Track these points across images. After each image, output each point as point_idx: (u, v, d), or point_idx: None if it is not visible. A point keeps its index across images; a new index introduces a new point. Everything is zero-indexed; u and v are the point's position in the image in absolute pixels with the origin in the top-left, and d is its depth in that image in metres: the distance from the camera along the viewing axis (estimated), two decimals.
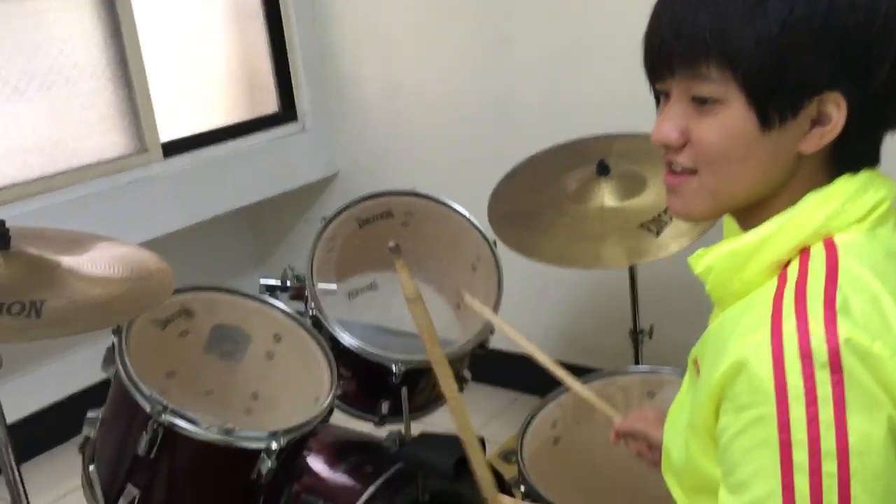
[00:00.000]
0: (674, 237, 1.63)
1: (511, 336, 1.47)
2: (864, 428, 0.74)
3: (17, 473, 1.27)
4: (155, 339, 1.47)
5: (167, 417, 1.29)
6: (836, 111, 0.82)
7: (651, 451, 1.29)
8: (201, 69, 2.84)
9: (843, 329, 0.76)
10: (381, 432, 1.76)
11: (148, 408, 1.29)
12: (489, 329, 1.75)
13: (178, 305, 1.48)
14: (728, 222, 1.02)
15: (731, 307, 0.87)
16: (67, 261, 1.19)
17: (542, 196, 1.80)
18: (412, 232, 1.85)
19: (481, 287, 1.81)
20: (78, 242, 1.30)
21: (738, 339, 0.81)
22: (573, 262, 1.65)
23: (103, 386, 1.44)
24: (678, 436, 0.97)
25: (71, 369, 2.62)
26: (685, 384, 1.03)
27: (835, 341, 0.75)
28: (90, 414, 1.42)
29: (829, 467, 0.74)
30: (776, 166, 0.85)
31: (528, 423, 1.69)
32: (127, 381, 1.32)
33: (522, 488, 1.56)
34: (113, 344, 1.36)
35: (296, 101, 3.01)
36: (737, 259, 0.87)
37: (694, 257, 0.91)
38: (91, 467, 1.23)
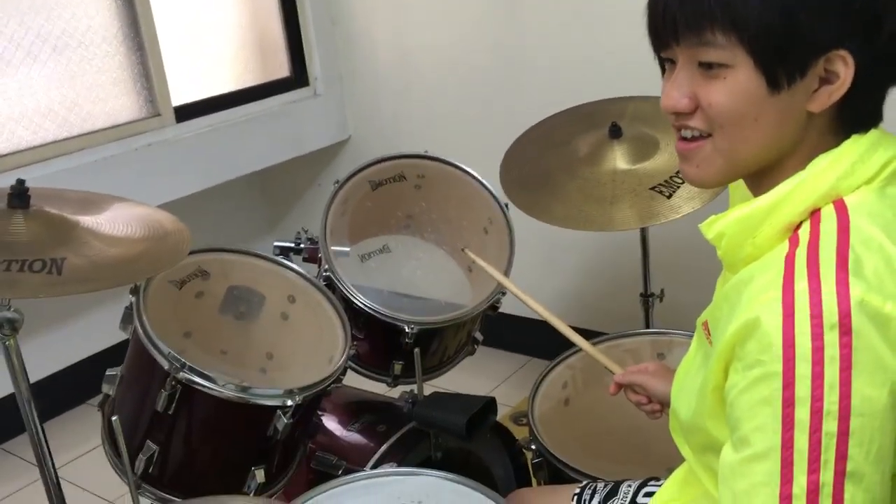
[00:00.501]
0: (686, 199, 1.63)
1: (511, 290, 1.47)
2: (867, 391, 0.75)
3: (40, 432, 1.30)
4: (172, 300, 1.49)
5: (185, 375, 1.31)
6: (843, 69, 0.82)
7: (650, 402, 1.32)
8: (213, 33, 2.84)
9: (856, 290, 0.76)
10: (395, 392, 1.79)
11: (166, 365, 1.31)
12: (500, 290, 1.76)
13: (195, 266, 1.50)
14: (734, 189, 1.02)
15: (743, 269, 0.88)
16: (86, 220, 1.21)
17: (555, 159, 1.80)
18: (424, 194, 1.85)
19: (493, 249, 1.82)
20: (95, 203, 1.32)
21: (751, 300, 0.81)
22: (585, 225, 1.66)
23: (123, 347, 1.46)
24: (686, 398, 0.98)
25: (91, 330, 2.66)
26: (693, 347, 1.04)
27: (846, 303, 0.76)
28: (109, 371, 1.44)
29: (830, 426, 0.75)
30: (787, 126, 0.86)
31: (538, 385, 1.71)
32: (145, 339, 1.34)
33: (533, 447, 1.59)
34: (131, 303, 1.39)
35: (307, 65, 3.01)
36: (749, 224, 0.87)
37: (706, 224, 0.91)
38: (114, 418, 1.25)
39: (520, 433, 1.69)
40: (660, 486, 1.20)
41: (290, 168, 3.09)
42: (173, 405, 1.33)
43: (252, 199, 3.32)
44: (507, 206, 1.80)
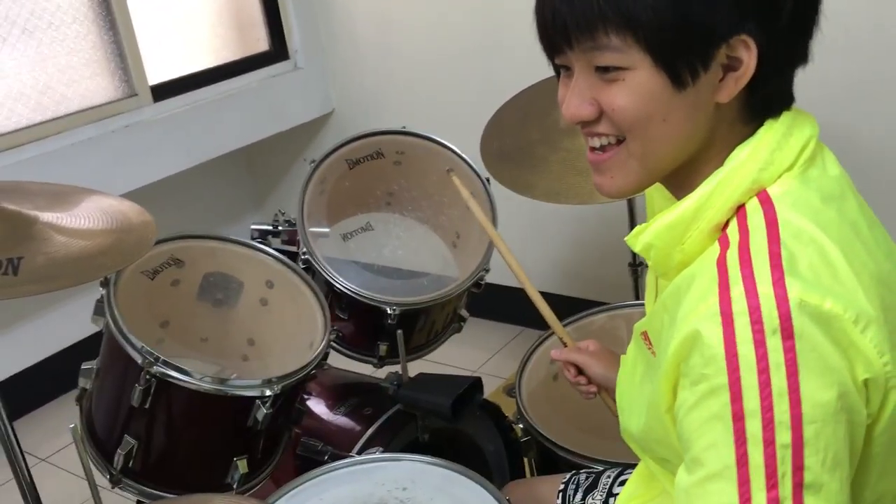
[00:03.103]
0: None
1: (491, 234, 1.45)
2: (816, 395, 0.71)
3: (9, 429, 1.27)
4: (145, 290, 1.45)
5: (159, 369, 1.28)
6: (745, 53, 0.78)
7: (588, 382, 1.30)
8: (187, 9, 2.77)
9: (794, 290, 0.72)
10: (381, 373, 1.77)
11: (139, 360, 1.29)
12: (485, 267, 1.73)
13: (167, 255, 1.47)
14: (650, 195, 0.98)
15: (677, 277, 0.84)
16: (46, 216, 1.17)
17: (535, 131, 1.76)
18: (404, 171, 1.81)
19: (476, 224, 1.79)
20: (59, 196, 1.28)
21: (688, 311, 0.77)
22: (567, 198, 1.62)
23: (99, 338, 1.43)
24: (637, 412, 0.94)
25: (64, 322, 2.61)
26: (632, 354, 1.01)
27: (786, 305, 0.72)
28: (85, 365, 1.42)
29: (783, 437, 0.71)
30: (699, 120, 0.81)
31: (526, 361, 1.69)
32: (117, 333, 1.31)
33: (521, 425, 1.57)
34: (102, 296, 1.36)
35: (286, 38, 2.94)
36: (675, 231, 0.83)
37: (631, 236, 0.87)
38: (71, 426, 1.22)
39: (512, 406, 1.68)
40: None
41: (275, 144, 3.04)
42: (149, 399, 1.30)
43: (238, 177, 3.27)
44: (488, 180, 1.76)
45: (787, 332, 0.71)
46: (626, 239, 0.88)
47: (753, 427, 0.71)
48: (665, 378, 0.80)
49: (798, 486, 0.71)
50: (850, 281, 0.74)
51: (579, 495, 1.25)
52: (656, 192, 0.95)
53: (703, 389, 0.74)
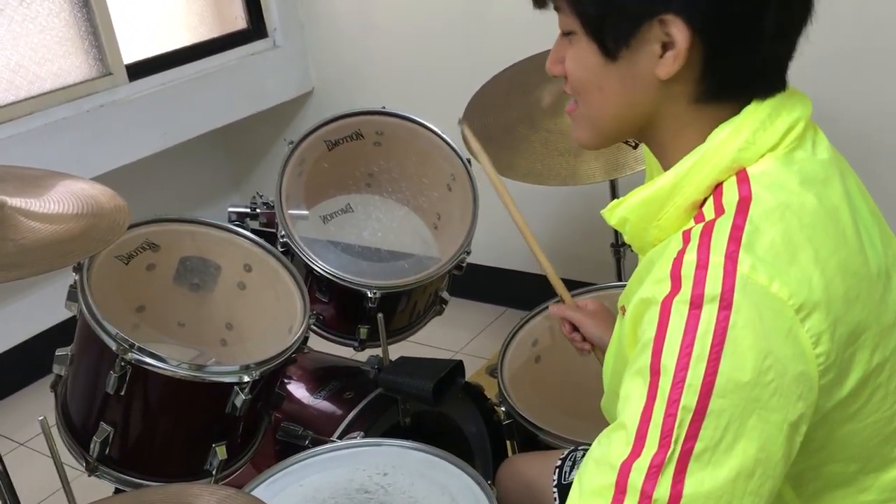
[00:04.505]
0: None
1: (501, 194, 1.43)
2: (736, 373, 0.70)
3: None
4: (120, 275, 1.43)
5: (134, 355, 1.26)
6: (678, 33, 0.78)
7: (584, 339, 1.32)
8: None
9: (744, 266, 0.72)
10: (362, 356, 1.75)
11: (114, 346, 1.26)
12: (466, 249, 1.71)
13: (142, 239, 1.44)
14: (649, 166, 0.99)
15: (655, 250, 0.84)
16: (15, 201, 1.14)
17: (516, 111, 1.74)
18: (384, 152, 1.79)
19: (458, 205, 1.77)
20: (28, 180, 1.24)
21: (651, 278, 0.78)
22: (549, 179, 1.60)
23: (74, 323, 1.40)
24: (617, 382, 0.94)
25: (37, 307, 2.58)
26: (616, 330, 1.00)
27: (732, 279, 0.71)
28: (59, 351, 1.39)
29: (689, 400, 0.69)
30: (639, 95, 0.83)
31: (508, 343, 1.68)
32: (91, 320, 1.28)
33: (503, 409, 1.56)
34: (75, 281, 1.33)
35: (264, 15, 2.89)
36: (651, 207, 0.83)
37: (607, 210, 0.88)
38: (40, 418, 1.20)
39: (496, 387, 1.67)
40: None
41: (253, 124, 3.00)
42: (124, 386, 1.28)
43: (216, 158, 3.23)
44: (469, 161, 1.74)
45: (726, 303, 0.71)
46: (602, 212, 0.89)
47: (664, 383, 0.71)
48: (628, 343, 0.81)
49: (686, 454, 0.69)
50: (809, 266, 0.74)
51: (575, 471, 1.25)
52: (654, 164, 0.95)
53: (638, 348, 0.75)
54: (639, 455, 0.70)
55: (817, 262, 0.74)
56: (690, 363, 0.70)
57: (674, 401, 0.70)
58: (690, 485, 0.70)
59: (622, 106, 0.84)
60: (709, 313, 0.71)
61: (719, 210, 0.78)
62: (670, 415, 0.70)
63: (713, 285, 0.71)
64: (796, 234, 0.75)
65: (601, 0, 0.80)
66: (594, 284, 1.79)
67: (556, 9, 0.85)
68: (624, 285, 1.74)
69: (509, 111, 1.75)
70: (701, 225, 0.77)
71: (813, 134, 0.84)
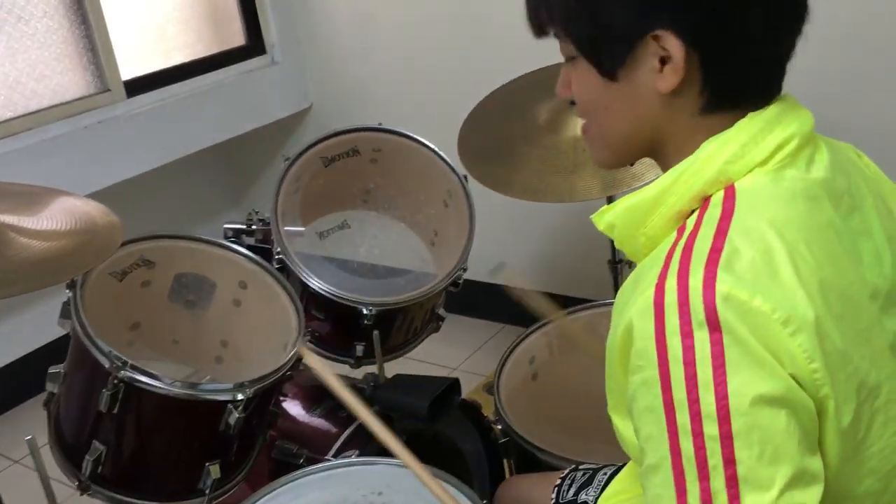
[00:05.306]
0: (649, 166, 1.57)
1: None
2: (746, 388, 0.69)
3: None
4: (114, 292, 1.42)
5: (127, 373, 1.25)
6: (674, 46, 0.79)
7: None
8: (161, 2, 2.72)
9: (723, 285, 0.71)
10: (358, 374, 1.74)
11: (107, 364, 1.25)
12: (463, 266, 1.71)
13: (137, 256, 1.43)
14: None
15: (642, 263, 0.84)
16: (6, 218, 1.13)
17: (513, 127, 1.73)
18: (381, 168, 1.79)
19: (454, 222, 1.77)
20: (20, 196, 1.24)
21: (633, 300, 0.77)
22: (546, 196, 1.60)
23: (66, 341, 1.39)
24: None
25: (30, 326, 2.56)
26: (610, 338, 1.00)
27: (711, 298, 0.71)
28: (52, 369, 1.38)
29: (710, 429, 0.69)
30: (643, 110, 0.84)
31: (505, 360, 1.67)
32: (84, 337, 1.27)
33: (500, 427, 1.55)
34: (68, 298, 1.32)
35: (263, 32, 2.90)
36: (637, 214, 0.83)
37: (597, 215, 0.89)
38: (28, 438, 1.19)
39: (492, 405, 1.66)
40: None
41: (252, 140, 3.00)
42: (117, 405, 1.27)
43: (214, 175, 3.23)
44: (465, 177, 1.74)
45: (714, 325, 0.70)
46: (592, 217, 0.90)
47: (682, 418, 0.71)
48: (617, 363, 0.81)
49: (732, 479, 0.69)
50: (791, 284, 0.73)
51: (573, 490, 1.24)
52: None
53: (638, 381, 0.75)
54: (685, 492, 0.70)
55: (800, 280, 0.73)
56: (700, 394, 0.70)
57: (697, 433, 0.70)
58: None
59: (630, 122, 0.85)
60: (700, 339, 0.70)
61: (698, 225, 0.78)
62: (699, 447, 0.70)
63: (697, 311, 0.71)
64: (777, 253, 0.74)
65: (592, 24, 0.82)
66: (591, 301, 1.78)
67: (556, 36, 0.87)
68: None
69: (507, 128, 1.75)
70: (681, 245, 0.77)
71: (811, 152, 0.83)
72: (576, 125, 1.69)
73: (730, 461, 0.69)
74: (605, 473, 1.24)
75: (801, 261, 0.74)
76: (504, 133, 1.74)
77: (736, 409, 0.69)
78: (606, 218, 0.87)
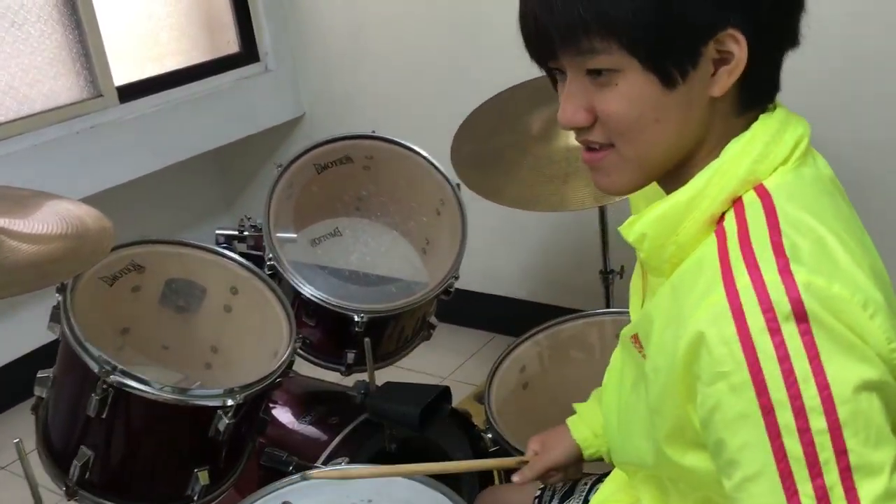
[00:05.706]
0: None
1: None
2: (843, 374, 0.69)
3: None
4: (104, 296, 1.41)
5: (116, 378, 1.25)
6: (735, 46, 0.77)
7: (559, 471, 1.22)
8: (156, 8, 2.72)
9: (801, 275, 0.71)
10: (349, 381, 1.74)
11: (96, 368, 1.25)
12: (454, 274, 1.71)
13: (127, 261, 1.43)
14: (633, 195, 0.96)
15: (675, 274, 0.82)
16: None
17: (506, 136, 1.74)
18: (373, 176, 1.79)
19: (447, 230, 1.77)
20: (11, 200, 1.23)
21: (694, 309, 0.75)
22: (538, 205, 1.60)
23: (55, 347, 1.39)
24: (636, 441, 0.91)
25: (19, 330, 2.55)
26: (616, 362, 0.98)
27: (795, 289, 0.70)
28: (41, 374, 1.37)
29: (817, 423, 0.68)
30: (693, 118, 0.81)
31: (495, 369, 1.67)
32: (73, 342, 1.27)
33: (490, 436, 1.54)
34: (58, 302, 1.32)
35: (257, 40, 2.90)
36: (669, 221, 0.81)
37: (625, 226, 0.85)
38: (16, 441, 1.18)
39: (483, 414, 1.65)
40: None
41: (244, 147, 3.00)
42: (106, 409, 1.26)
43: (207, 181, 3.22)
44: (458, 186, 1.74)
45: (801, 316, 0.70)
46: (619, 228, 0.86)
47: (785, 418, 0.69)
48: (677, 381, 0.78)
49: (846, 471, 0.68)
50: (852, 270, 0.74)
51: (555, 501, 1.23)
52: (639, 195, 0.94)
53: (724, 388, 0.72)
54: (796, 493, 0.69)
55: (858, 266, 0.74)
56: (800, 389, 0.69)
57: (804, 430, 0.69)
58: (865, 495, 0.68)
59: (678, 134, 0.81)
60: (790, 333, 0.70)
61: (742, 224, 0.77)
62: (808, 444, 0.69)
63: (780, 305, 0.70)
64: (829, 242, 0.75)
65: (663, 19, 0.75)
66: (582, 311, 1.78)
67: (586, 52, 0.78)
68: (613, 312, 1.76)
69: (499, 137, 1.75)
70: (735, 245, 0.76)
71: (811, 153, 0.85)
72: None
73: (842, 452, 0.68)
74: (586, 483, 1.24)
75: (850, 249, 0.75)
76: (497, 142, 1.74)
77: (839, 396, 0.68)
78: (637, 228, 0.83)
